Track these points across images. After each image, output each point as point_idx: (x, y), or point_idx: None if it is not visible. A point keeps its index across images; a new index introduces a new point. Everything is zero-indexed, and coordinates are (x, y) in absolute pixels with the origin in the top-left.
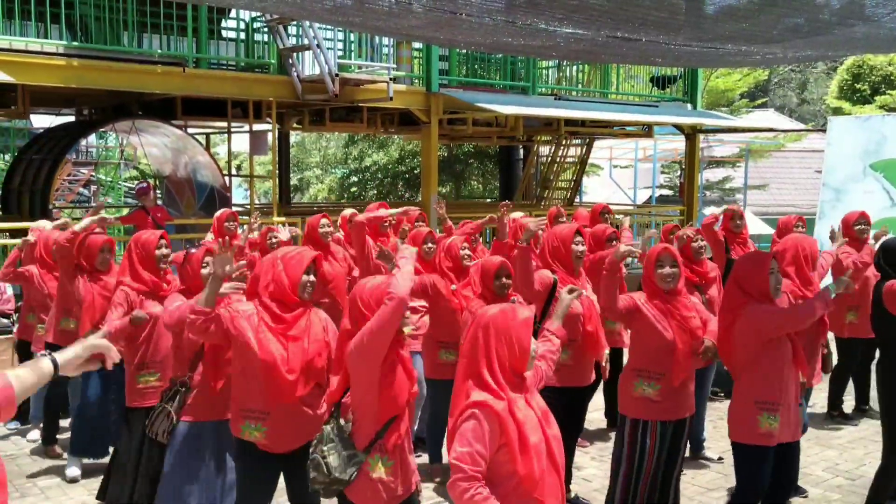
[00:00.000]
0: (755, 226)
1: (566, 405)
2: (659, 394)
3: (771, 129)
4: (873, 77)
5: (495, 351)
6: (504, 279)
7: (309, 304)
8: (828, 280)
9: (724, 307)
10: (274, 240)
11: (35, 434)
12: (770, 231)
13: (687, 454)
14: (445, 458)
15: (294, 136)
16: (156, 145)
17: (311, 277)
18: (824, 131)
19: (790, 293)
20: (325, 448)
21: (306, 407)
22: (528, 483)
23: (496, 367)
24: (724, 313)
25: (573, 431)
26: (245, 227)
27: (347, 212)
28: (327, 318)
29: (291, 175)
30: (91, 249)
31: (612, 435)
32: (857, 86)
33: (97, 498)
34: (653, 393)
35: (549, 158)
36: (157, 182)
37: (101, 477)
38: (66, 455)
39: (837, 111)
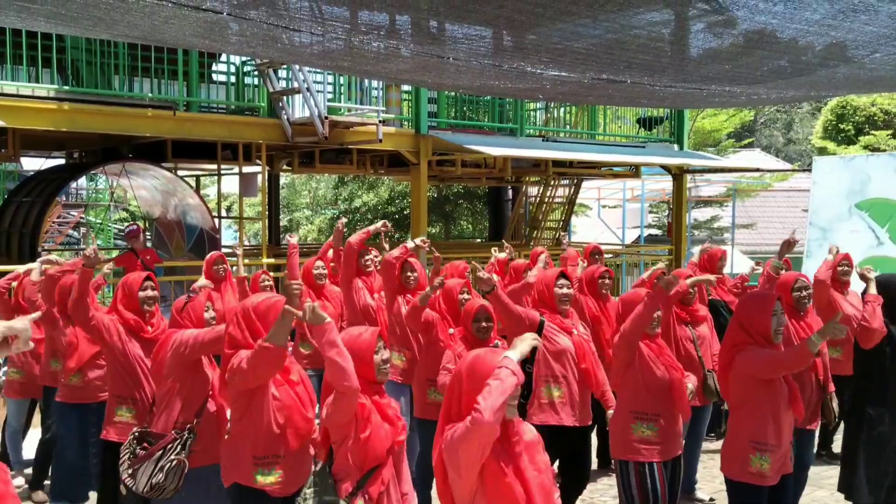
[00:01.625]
0: (743, 264)
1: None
2: (657, 435)
3: (757, 170)
4: (857, 117)
5: (467, 395)
6: (483, 322)
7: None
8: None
9: (724, 345)
10: (267, 282)
11: (19, 480)
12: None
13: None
14: (434, 501)
15: (284, 178)
16: (145, 188)
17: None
18: (810, 171)
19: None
20: (307, 491)
21: (308, 448)
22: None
23: (465, 411)
24: (724, 351)
25: (580, 478)
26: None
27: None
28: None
29: (281, 216)
30: (67, 290)
31: (603, 477)
32: (842, 126)
33: None
34: (652, 434)
35: (538, 199)
36: (147, 224)
37: None
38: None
39: (822, 151)
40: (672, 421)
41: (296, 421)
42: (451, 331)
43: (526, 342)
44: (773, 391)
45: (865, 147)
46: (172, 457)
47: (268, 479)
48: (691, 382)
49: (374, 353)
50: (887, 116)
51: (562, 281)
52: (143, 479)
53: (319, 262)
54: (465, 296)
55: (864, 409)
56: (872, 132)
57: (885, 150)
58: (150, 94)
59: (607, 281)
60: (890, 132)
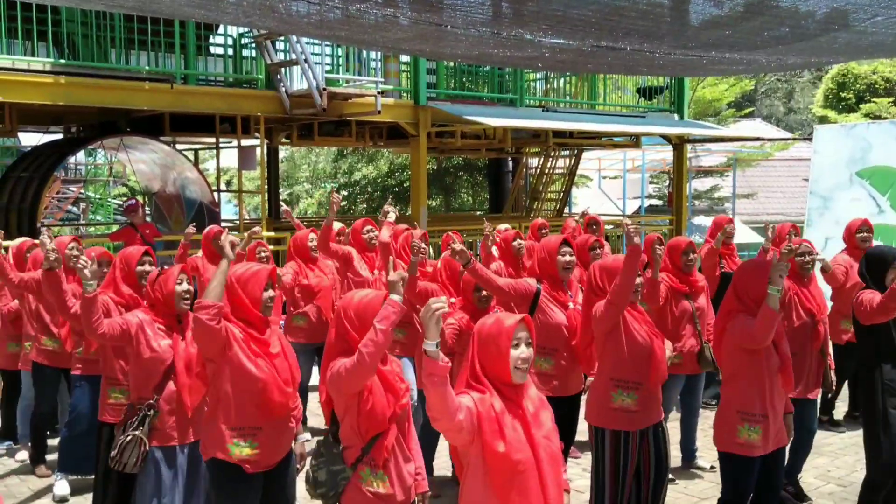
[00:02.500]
0: (744, 234)
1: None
2: (637, 403)
3: (757, 139)
4: (858, 86)
5: (478, 358)
6: (483, 292)
7: (270, 320)
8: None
9: (719, 314)
10: (263, 254)
11: (23, 454)
12: (759, 239)
13: (679, 463)
14: (437, 472)
15: (284, 151)
16: (144, 161)
17: (271, 293)
18: (810, 140)
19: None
20: (315, 462)
21: (289, 421)
22: (500, 491)
23: (478, 373)
24: (718, 320)
25: (565, 441)
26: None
27: (337, 226)
28: (280, 334)
29: (281, 190)
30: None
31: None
32: (842, 94)
33: None
34: (631, 403)
35: (538, 170)
36: (146, 199)
37: (89, 495)
38: (55, 474)
39: (823, 120)
40: (652, 388)
41: (272, 394)
42: (452, 300)
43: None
44: (760, 361)
45: (866, 115)
46: (129, 432)
47: (244, 452)
48: (669, 348)
49: (370, 318)
50: (888, 84)
51: (565, 248)
52: (112, 452)
53: (312, 235)
54: (483, 293)
55: (881, 377)
56: (873, 100)
57: (886, 118)
58: (146, 67)
59: (598, 251)
60: (891, 100)
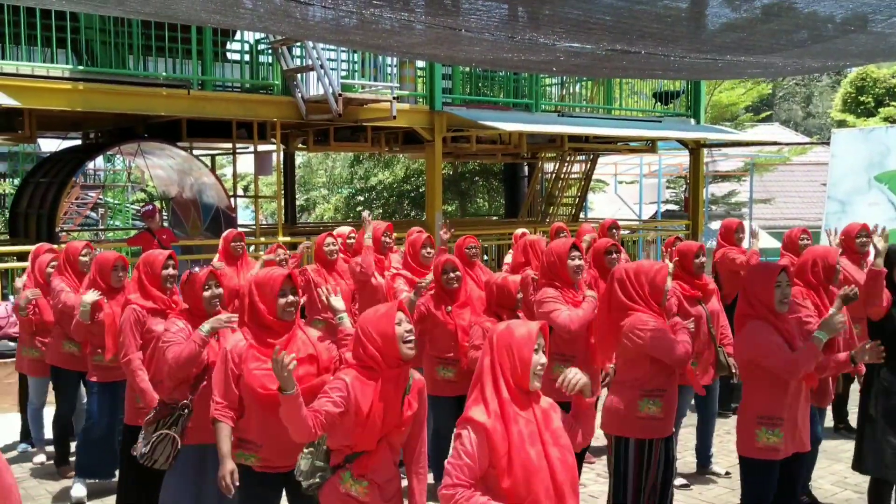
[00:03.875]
0: (762, 240)
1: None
2: (662, 411)
3: (774, 143)
4: (877, 90)
5: (498, 366)
6: (451, 273)
7: (294, 324)
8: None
9: (735, 318)
10: (283, 257)
11: (40, 457)
12: (777, 244)
13: (694, 469)
14: None
15: (301, 157)
16: (161, 167)
17: (290, 298)
18: (828, 144)
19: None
20: (306, 451)
21: None
22: (513, 499)
23: (499, 383)
24: (735, 324)
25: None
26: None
27: (345, 230)
28: (315, 333)
29: (298, 195)
30: (104, 267)
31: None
32: (861, 98)
33: None
34: (657, 411)
35: (554, 175)
36: (164, 204)
37: (107, 498)
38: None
39: (842, 124)
40: (674, 396)
41: (268, 404)
42: (449, 309)
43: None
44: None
45: (885, 119)
46: (163, 430)
47: (249, 459)
48: (691, 323)
49: (395, 325)
50: None
51: (574, 252)
52: (139, 447)
53: (329, 239)
54: (452, 274)
55: (877, 379)
56: (893, 104)
57: None
58: (164, 74)
59: (614, 255)
60: None
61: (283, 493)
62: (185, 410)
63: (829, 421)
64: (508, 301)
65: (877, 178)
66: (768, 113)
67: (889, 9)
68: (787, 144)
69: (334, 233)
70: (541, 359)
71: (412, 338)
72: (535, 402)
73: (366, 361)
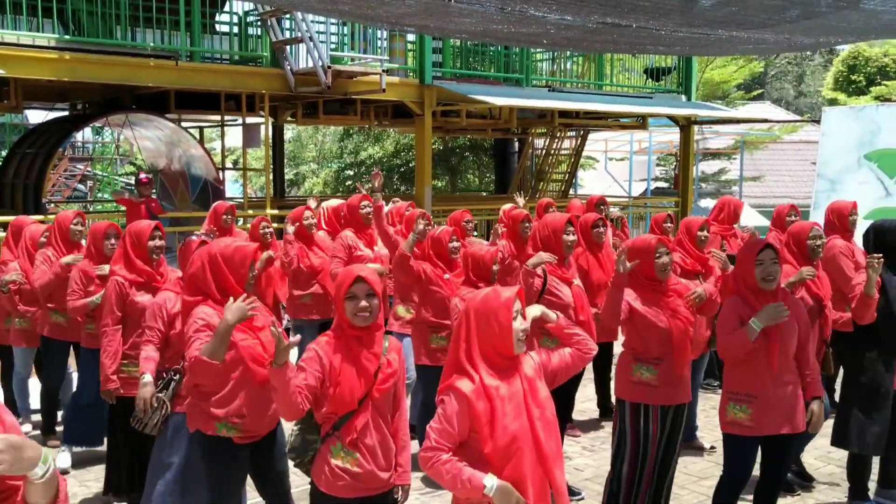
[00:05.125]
0: (751, 218)
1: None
2: (657, 379)
3: (765, 120)
4: (868, 68)
5: (476, 333)
6: (454, 244)
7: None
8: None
9: (723, 293)
10: (267, 230)
11: (26, 427)
12: (766, 222)
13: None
14: None
15: (291, 131)
16: (149, 139)
17: (253, 272)
18: (818, 122)
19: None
20: (295, 427)
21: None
22: (496, 464)
23: (475, 350)
24: (721, 298)
25: (561, 420)
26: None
27: (333, 202)
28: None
29: (287, 170)
30: (96, 235)
31: (604, 425)
32: (853, 77)
33: (104, 492)
34: (651, 378)
35: (544, 151)
36: (153, 176)
37: (92, 467)
38: (62, 446)
39: (833, 102)
40: (674, 366)
41: (259, 374)
42: (447, 276)
43: (534, 308)
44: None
45: (877, 98)
46: (155, 395)
47: (231, 432)
48: (701, 287)
49: (344, 298)
50: None
51: (569, 228)
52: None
53: (308, 212)
54: (455, 244)
55: (861, 357)
56: (884, 83)
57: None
58: (152, 44)
59: (601, 229)
60: None
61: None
62: (177, 376)
63: None
64: (484, 273)
65: (867, 157)
66: (760, 91)
67: None
68: (778, 122)
69: (323, 205)
70: (521, 324)
71: (364, 313)
72: (519, 368)
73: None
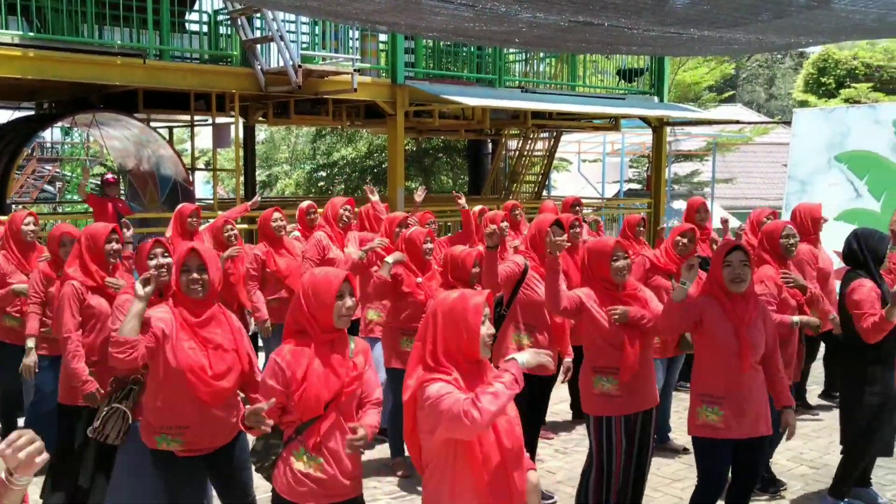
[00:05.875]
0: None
1: (529, 396)
2: (617, 388)
3: (736, 122)
4: (838, 71)
5: (442, 334)
6: (427, 244)
7: (213, 303)
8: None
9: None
10: (232, 232)
11: None
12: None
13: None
14: (408, 452)
15: (262, 132)
16: (118, 138)
17: (204, 276)
18: (790, 124)
19: (771, 281)
20: (233, 442)
21: (225, 411)
22: (469, 461)
23: (440, 350)
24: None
25: (535, 422)
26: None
27: (304, 204)
28: (231, 315)
29: (259, 170)
30: (51, 240)
31: (577, 427)
32: (823, 80)
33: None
34: (611, 388)
35: (517, 152)
36: (120, 176)
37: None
38: None
39: (803, 104)
40: (634, 375)
41: (198, 389)
42: (419, 280)
43: (536, 357)
44: (716, 341)
45: (846, 100)
46: (114, 404)
47: (171, 445)
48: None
49: (335, 297)
50: (868, 69)
51: (557, 229)
52: (94, 422)
53: (277, 214)
54: (429, 245)
55: (864, 369)
56: (853, 85)
57: (865, 103)
58: (119, 42)
59: (577, 230)
60: (871, 85)
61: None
62: (137, 385)
63: None
64: (463, 274)
65: (837, 159)
66: (731, 93)
67: None
68: (749, 123)
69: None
70: (489, 328)
71: (349, 314)
72: (486, 373)
73: (300, 325)
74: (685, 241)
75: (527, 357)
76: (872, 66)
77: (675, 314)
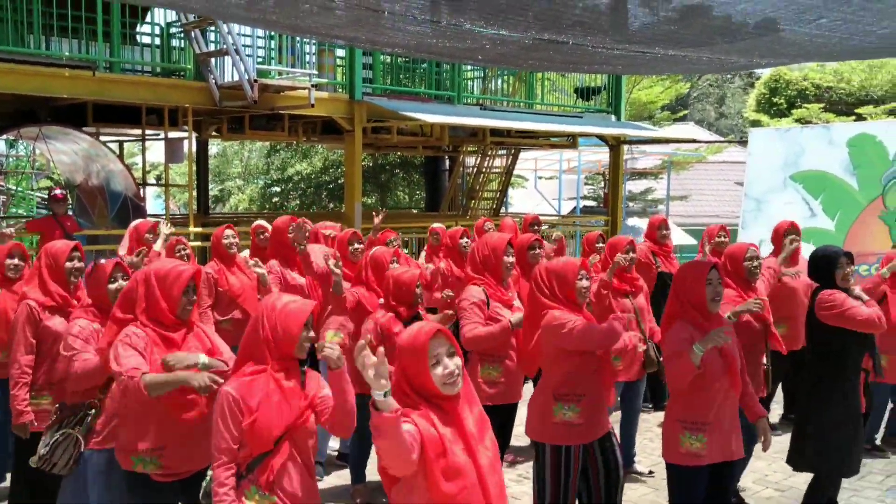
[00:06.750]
0: (678, 236)
1: (498, 423)
2: (580, 416)
3: (693, 141)
4: (789, 91)
5: (403, 369)
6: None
7: (190, 323)
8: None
9: (663, 318)
10: (184, 252)
11: None
12: (693, 241)
13: None
14: (370, 477)
15: (215, 147)
16: (66, 153)
17: (193, 297)
18: (745, 143)
19: (732, 303)
20: (208, 468)
21: (203, 432)
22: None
23: (407, 389)
24: (663, 324)
25: (501, 449)
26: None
27: (255, 224)
28: (211, 333)
29: (212, 185)
30: None
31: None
32: (775, 99)
33: None
34: (573, 416)
35: (475, 169)
36: (69, 191)
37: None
38: None
39: (756, 123)
40: (597, 399)
41: (176, 410)
42: (381, 300)
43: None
44: (703, 367)
45: (798, 120)
46: (66, 430)
47: (147, 467)
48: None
49: (302, 327)
50: (818, 90)
51: (510, 249)
52: (39, 451)
53: (229, 231)
54: (395, 265)
55: (825, 390)
56: (804, 105)
57: (816, 123)
58: (66, 53)
59: (537, 251)
60: (821, 105)
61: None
62: (93, 410)
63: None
64: (406, 297)
65: (792, 178)
66: (684, 112)
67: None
68: (706, 143)
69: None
70: (447, 368)
71: (310, 343)
72: (458, 404)
73: (257, 351)
74: (632, 255)
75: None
76: (822, 87)
77: (691, 372)
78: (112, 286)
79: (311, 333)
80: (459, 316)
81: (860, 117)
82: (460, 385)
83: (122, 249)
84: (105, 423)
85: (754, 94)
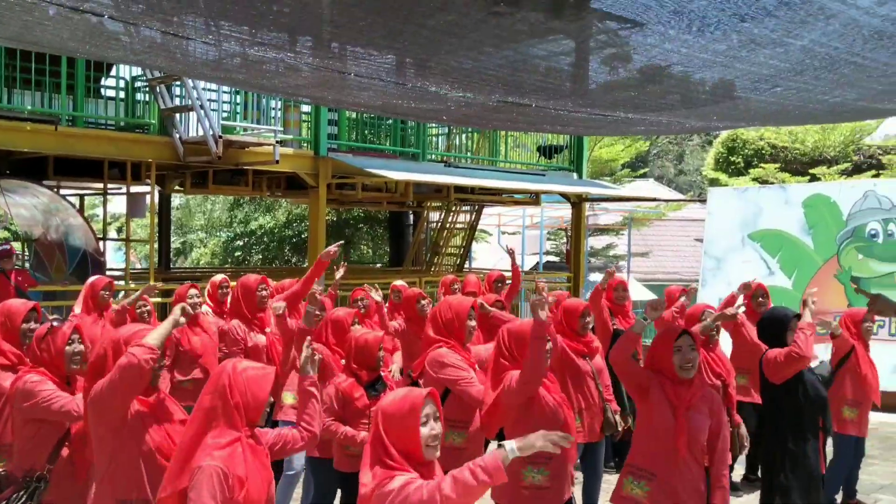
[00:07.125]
0: (639, 293)
1: None
2: (548, 479)
3: (653, 199)
4: (746, 150)
5: (387, 436)
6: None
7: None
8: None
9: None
10: (145, 309)
11: None
12: (653, 297)
13: None
14: None
15: (178, 199)
16: (24, 206)
17: (163, 362)
18: (704, 201)
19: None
20: None
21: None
22: None
23: (392, 454)
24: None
25: None
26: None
27: (217, 278)
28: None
29: (174, 238)
30: None
31: None
32: (732, 158)
33: None
34: (542, 479)
35: (439, 224)
36: (26, 245)
37: None
38: None
39: (714, 182)
40: (564, 461)
41: (161, 466)
42: (343, 361)
43: (540, 442)
44: (655, 417)
45: (755, 179)
46: None
47: None
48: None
49: (268, 394)
50: (774, 150)
51: (473, 313)
52: None
53: (193, 290)
54: (357, 327)
55: (785, 446)
56: (761, 165)
57: (773, 183)
58: (28, 107)
59: (502, 309)
60: (777, 165)
61: None
62: (42, 483)
63: None
64: (369, 360)
65: (750, 237)
66: (644, 170)
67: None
68: (666, 201)
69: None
70: (432, 429)
71: (266, 411)
72: (434, 471)
73: (226, 417)
74: (588, 319)
75: (518, 444)
76: (778, 147)
77: (632, 345)
78: (69, 348)
79: (270, 398)
80: (456, 384)
81: (814, 177)
82: (438, 452)
83: (78, 307)
84: (54, 494)
85: (712, 152)
